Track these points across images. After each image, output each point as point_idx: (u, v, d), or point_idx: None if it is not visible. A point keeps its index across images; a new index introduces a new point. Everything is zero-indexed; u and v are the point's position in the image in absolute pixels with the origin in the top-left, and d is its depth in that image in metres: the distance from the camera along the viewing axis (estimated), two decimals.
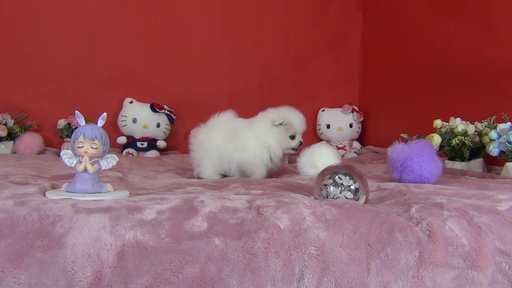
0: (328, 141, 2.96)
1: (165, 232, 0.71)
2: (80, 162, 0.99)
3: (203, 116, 2.85)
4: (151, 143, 2.71)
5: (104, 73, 2.77)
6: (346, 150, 2.88)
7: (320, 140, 3.02)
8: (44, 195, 0.98)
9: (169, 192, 1.13)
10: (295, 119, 1.63)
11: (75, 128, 2.52)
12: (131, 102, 2.73)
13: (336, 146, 2.90)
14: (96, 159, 1.00)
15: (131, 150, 2.64)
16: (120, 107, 2.75)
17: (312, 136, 3.07)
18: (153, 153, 2.66)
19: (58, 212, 0.72)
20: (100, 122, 1.03)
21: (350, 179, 1.05)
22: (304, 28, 3.06)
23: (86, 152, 0.98)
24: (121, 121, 2.70)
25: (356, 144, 2.94)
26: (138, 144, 2.68)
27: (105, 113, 1.03)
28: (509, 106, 1.53)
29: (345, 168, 1.08)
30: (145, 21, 2.84)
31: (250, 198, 0.92)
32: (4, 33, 2.65)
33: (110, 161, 1.03)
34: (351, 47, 3.14)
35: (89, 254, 0.65)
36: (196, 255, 0.67)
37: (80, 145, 0.98)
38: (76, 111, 1.02)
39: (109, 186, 1.02)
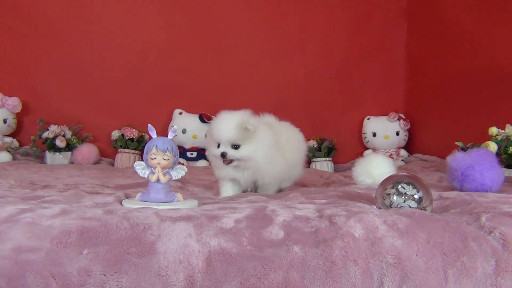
0: (374, 149, 2.95)
1: (246, 240, 0.74)
2: (152, 172, 1.05)
3: None
4: (200, 153, 2.78)
5: (154, 86, 2.88)
6: (393, 158, 2.86)
7: (366, 148, 3.01)
8: (121, 204, 1.04)
9: (234, 201, 1.18)
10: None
11: (129, 139, 2.65)
12: (180, 113, 2.82)
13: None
14: (167, 169, 1.06)
15: (181, 160, 2.72)
16: (170, 118, 2.84)
17: (357, 144, 3.07)
18: (202, 163, 2.73)
19: (146, 220, 0.77)
20: (171, 135, 1.08)
21: (413, 188, 1.06)
22: (347, 36, 3.08)
23: (158, 163, 1.04)
24: None
25: (403, 152, 2.92)
26: (188, 154, 2.76)
27: (175, 126, 1.09)
28: None
29: (408, 177, 1.09)
30: (191, 34, 2.94)
31: (317, 207, 0.95)
32: (61, 51, 2.81)
33: (180, 171, 1.09)
34: (396, 55, 3.13)
35: (180, 260, 0.69)
36: (278, 262, 0.71)
37: (153, 156, 1.04)
38: (149, 125, 1.08)
39: (179, 196, 1.07)
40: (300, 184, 1.90)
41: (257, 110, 2.93)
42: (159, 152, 1.04)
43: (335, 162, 2.94)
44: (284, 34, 3.02)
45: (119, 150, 2.73)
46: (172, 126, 1.10)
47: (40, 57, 2.79)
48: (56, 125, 2.63)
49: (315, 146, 2.88)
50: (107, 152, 2.82)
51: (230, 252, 0.72)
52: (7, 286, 0.63)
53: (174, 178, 1.06)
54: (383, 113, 3.00)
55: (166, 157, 1.04)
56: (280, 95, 3.00)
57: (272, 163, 1.38)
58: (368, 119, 3.00)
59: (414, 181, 1.08)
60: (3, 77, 2.72)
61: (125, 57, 2.86)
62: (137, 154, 2.73)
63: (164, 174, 1.05)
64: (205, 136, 1.49)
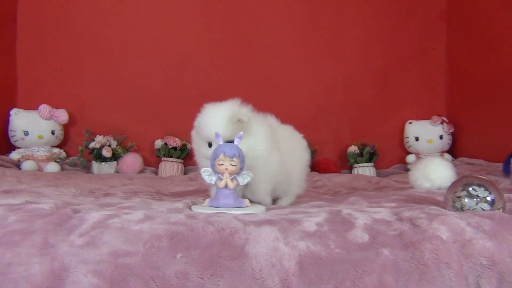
0: (417, 154, 2.91)
1: (333, 243, 0.74)
2: (219, 178, 1.06)
3: None
4: None
5: (195, 94, 2.90)
6: None
7: (408, 153, 2.97)
8: (190, 210, 1.05)
9: (298, 206, 1.18)
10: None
11: (172, 148, 2.68)
12: None
13: None
14: (234, 175, 1.07)
15: None
16: None
17: (399, 149, 3.04)
18: None
19: (230, 224, 0.78)
20: (237, 141, 1.09)
21: (485, 190, 1.04)
22: (385, 40, 3.05)
23: (226, 169, 1.05)
24: None
25: (447, 156, 2.86)
26: None
27: (241, 133, 1.10)
28: None
29: (479, 179, 1.07)
30: (230, 43, 2.97)
31: (391, 210, 0.94)
32: (104, 62, 2.88)
33: (245, 177, 1.09)
34: (436, 57, 3.08)
35: (272, 263, 0.69)
36: (370, 265, 0.70)
37: (221, 162, 1.05)
38: (216, 132, 1.09)
39: (247, 201, 1.08)
40: (350, 188, 1.89)
41: (298, 116, 2.95)
42: (226, 158, 1.05)
43: (376, 167, 2.91)
44: (322, 40, 3.01)
45: (162, 159, 2.77)
46: (239, 133, 1.10)
47: (84, 69, 2.86)
48: (102, 136, 2.69)
49: (356, 152, 2.86)
50: (150, 161, 2.86)
51: (320, 255, 0.72)
52: None
53: (241, 183, 1.07)
54: (425, 117, 2.96)
55: (233, 163, 1.05)
56: (319, 101, 3.00)
57: (270, 159, 1.18)
58: (410, 123, 2.96)
59: (485, 183, 1.05)
60: (50, 90, 2.81)
61: (165, 67, 2.91)
62: (180, 162, 2.76)
63: (232, 180, 1.06)
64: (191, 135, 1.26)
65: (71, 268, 0.67)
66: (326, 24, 3.03)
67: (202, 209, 1.03)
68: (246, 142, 1.13)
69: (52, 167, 2.58)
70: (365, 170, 2.83)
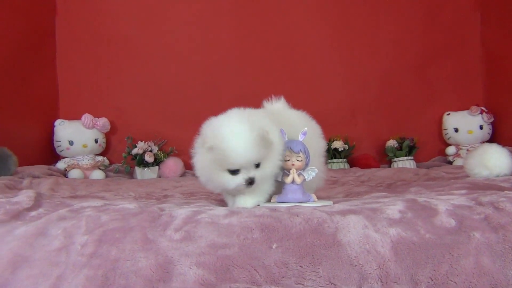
0: (457, 145, 2.88)
1: (422, 229, 0.75)
2: (286, 174, 1.08)
3: (327, 131, 2.92)
4: None
5: (231, 97, 2.93)
6: None
7: (447, 145, 2.94)
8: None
9: (363, 198, 1.18)
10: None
11: None
12: None
13: (467, 150, 2.81)
14: (299, 171, 1.08)
15: None
16: None
17: (437, 141, 3.01)
18: None
19: (314, 215, 0.80)
20: (301, 137, 1.11)
21: None
22: (420, 32, 3.02)
23: (293, 164, 1.07)
24: None
25: None
26: None
27: (306, 128, 1.11)
28: None
29: None
30: (264, 44, 3.00)
31: (466, 197, 0.94)
32: (141, 70, 2.94)
33: (311, 173, 1.10)
34: (471, 47, 3.04)
35: (367, 250, 0.71)
36: (464, 248, 0.71)
37: (287, 158, 1.07)
38: (281, 129, 1.10)
39: (314, 196, 1.09)
40: (399, 180, 1.88)
41: (335, 114, 2.94)
42: (293, 154, 1.06)
43: (416, 160, 2.88)
44: (355, 35, 3.01)
45: None
46: (304, 129, 1.11)
47: (122, 78, 2.93)
48: (143, 142, 2.74)
49: (395, 146, 2.85)
50: (189, 165, 2.89)
51: (412, 241, 0.73)
52: (216, 280, 0.67)
53: (307, 179, 1.08)
54: (463, 107, 2.92)
55: (299, 159, 1.07)
56: (355, 97, 2.99)
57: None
58: (448, 114, 2.93)
59: None
60: (91, 100, 2.88)
61: (201, 71, 2.96)
62: None
63: (298, 175, 1.07)
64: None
65: (175, 261, 0.70)
66: (359, 19, 3.03)
67: (272, 204, 1.05)
68: (273, 159, 1.03)
69: (97, 174, 2.65)
70: (405, 163, 2.81)
